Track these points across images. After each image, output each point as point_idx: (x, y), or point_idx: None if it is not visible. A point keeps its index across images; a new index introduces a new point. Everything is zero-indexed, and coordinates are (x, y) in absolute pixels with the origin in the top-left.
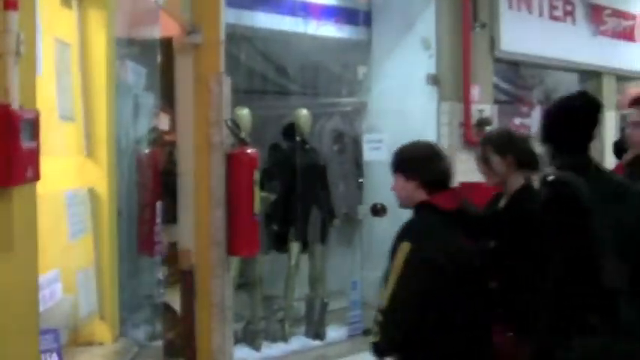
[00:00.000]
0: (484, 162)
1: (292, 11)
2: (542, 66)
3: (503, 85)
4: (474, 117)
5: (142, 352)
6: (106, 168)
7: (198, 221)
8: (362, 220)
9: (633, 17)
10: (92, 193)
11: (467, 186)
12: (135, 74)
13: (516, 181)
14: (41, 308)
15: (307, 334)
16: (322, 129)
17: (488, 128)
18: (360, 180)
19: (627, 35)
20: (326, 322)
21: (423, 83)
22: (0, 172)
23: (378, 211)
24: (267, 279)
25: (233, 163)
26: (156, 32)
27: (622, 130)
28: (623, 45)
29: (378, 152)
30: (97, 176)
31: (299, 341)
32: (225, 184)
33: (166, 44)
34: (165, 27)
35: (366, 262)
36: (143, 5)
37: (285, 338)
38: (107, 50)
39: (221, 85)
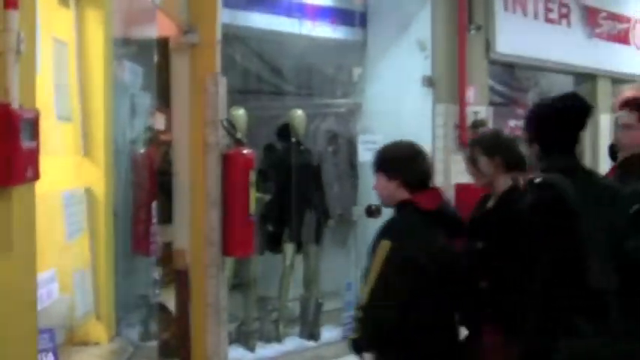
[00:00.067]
0: (472, 163)
1: (287, 12)
2: (538, 68)
3: (499, 87)
4: (469, 119)
5: (137, 352)
6: (103, 168)
7: (194, 221)
8: (356, 221)
9: (628, 20)
10: (89, 193)
11: (461, 187)
12: (132, 74)
13: (504, 182)
14: (38, 308)
15: (302, 335)
16: (317, 130)
17: (483, 130)
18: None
19: (622, 38)
20: (320, 322)
21: (419, 85)
22: (0, 172)
23: (373, 212)
24: (262, 279)
25: (229, 163)
26: (152, 32)
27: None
28: (618, 48)
29: (372, 153)
30: (94, 176)
31: (293, 342)
32: (220, 184)
33: (163, 44)
34: (161, 27)
35: (360, 263)
36: (140, 5)
37: (279, 339)
38: (105, 50)
39: (217, 86)
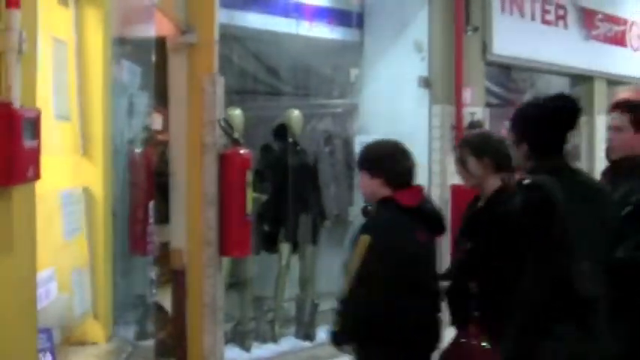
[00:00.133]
0: (461, 164)
1: (285, 12)
2: (534, 70)
3: (495, 89)
4: (466, 120)
5: (134, 352)
6: (102, 168)
7: (190, 221)
8: (353, 222)
9: (624, 22)
10: (87, 193)
11: (458, 188)
12: (130, 73)
13: (493, 183)
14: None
15: (297, 335)
16: (313, 130)
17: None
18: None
19: (618, 40)
20: (316, 323)
21: (415, 86)
22: (2, 171)
23: (369, 212)
24: (258, 279)
25: (226, 163)
26: (151, 31)
27: None
28: (614, 49)
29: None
30: (93, 176)
31: (289, 342)
32: (217, 184)
33: (161, 43)
34: (159, 26)
35: None
36: (138, 4)
37: (275, 339)
38: (104, 49)
39: (214, 85)
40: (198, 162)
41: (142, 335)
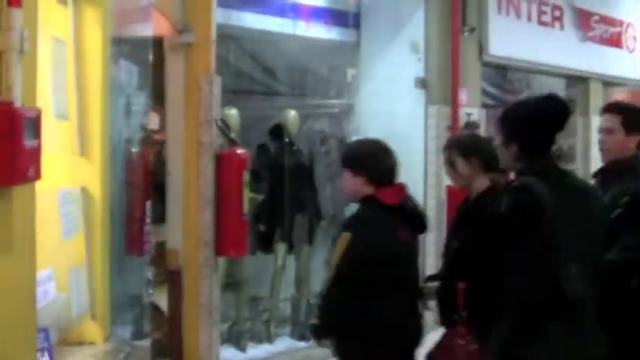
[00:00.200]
0: (450, 165)
1: (281, 12)
2: (530, 70)
3: (491, 90)
4: (462, 120)
5: (132, 352)
6: (100, 167)
7: (187, 221)
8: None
9: (620, 24)
10: (85, 192)
11: (454, 189)
12: (127, 73)
13: (481, 183)
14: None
15: (293, 335)
16: (310, 130)
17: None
18: None
19: (614, 41)
20: None
21: (411, 86)
22: (3, 171)
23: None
24: (253, 280)
25: (222, 163)
26: (148, 31)
27: None
28: (609, 51)
29: None
30: (90, 175)
31: (284, 342)
32: (214, 184)
33: (158, 43)
34: (157, 26)
35: None
36: (135, 4)
37: (270, 339)
38: (102, 48)
39: (211, 85)
40: (195, 162)
41: (138, 335)
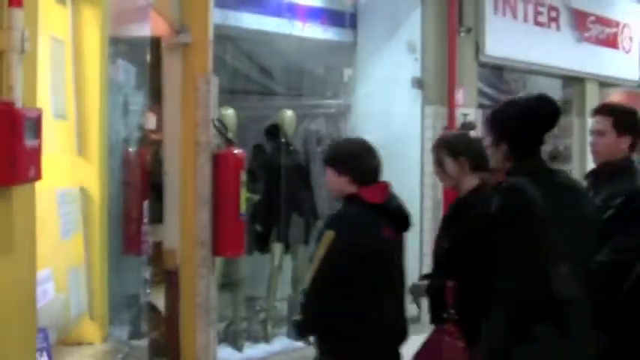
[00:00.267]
0: (438, 165)
1: (278, 12)
2: (527, 71)
3: (487, 90)
4: (458, 121)
5: (130, 352)
6: (98, 167)
7: (184, 221)
8: None
9: (616, 24)
10: (83, 192)
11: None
12: (125, 73)
13: (469, 183)
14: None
15: (289, 335)
16: (306, 130)
17: (472, 132)
18: None
19: (610, 42)
20: None
21: (408, 86)
22: (4, 171)
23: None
24: (250, 279)
25: (220, 163)
26: (145, 31)
27: None
28: (605, 51)
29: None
30: (89, 175)
31: (281, 342)
32: (211, 184)
33: (156, 43)
34: (154, 26)
35: None
36: (133, 4)
37: (267, 339)
38: (100, 48)
39: (209, 85)
40: (192, 162)
41: (135, 335)
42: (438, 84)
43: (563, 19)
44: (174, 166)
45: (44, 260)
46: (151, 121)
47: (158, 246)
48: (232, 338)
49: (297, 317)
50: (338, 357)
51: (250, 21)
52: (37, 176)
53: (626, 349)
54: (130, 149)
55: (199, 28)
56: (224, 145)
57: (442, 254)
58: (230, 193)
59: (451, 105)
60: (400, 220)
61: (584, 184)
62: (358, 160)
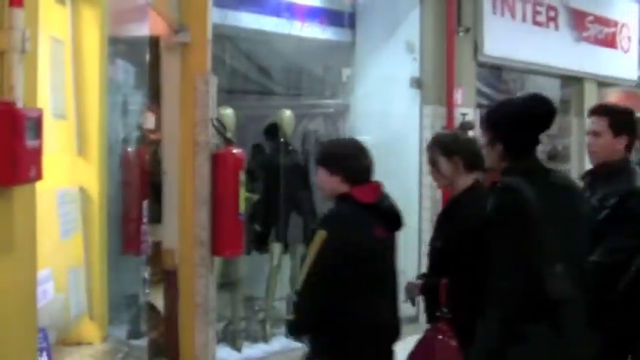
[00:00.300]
0: (432, 164)
1: (276, 12)
2: (525, 71)
3: (485, 90)
4: (457, 121)
5: (130, 352)
6: (97, 167)
7: (183, 221)
8: None
9: (615, 24)
10: (83, 192)
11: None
12: (124, 72)
13: (463, 182)
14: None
15: (288, 335)
16: (305, 130)
17: (470, 132)
18: None
19: (609, 42)
20: None
21: (407, 86)
22: (5, 171)
23: None
24: (249, 279)
25: (218, 163)
26: (144, 31)
27: None
28: (604, 51)
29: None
30: (88, 175)
31: (280, 342)
32: (210, 183)
33: (155, 43)
34: (153, 25)
35: None
36: (132, 3)
37: (266, 339)
38: (100, 48)
39: (207, 85)
40: (191, 161)
41: (133, 335)
42: (436, 84)
43: (562, 18)
44: (173, 165)
45: (44, 260)
46: (149, 121)
47: (157, 246)
48: (231, 338)
49: (290, 317)
50: (331, 356)
51: (249, 20)
52: (38, 176)
53: (621, 349)
54: (129, 149)
55: (198, 27)
56: (223, 144)
57: (436, 254)
58: (229, 193)
59: (450, 105)
60: (392, 219)
61: (581, 184)
62: (350, 160)
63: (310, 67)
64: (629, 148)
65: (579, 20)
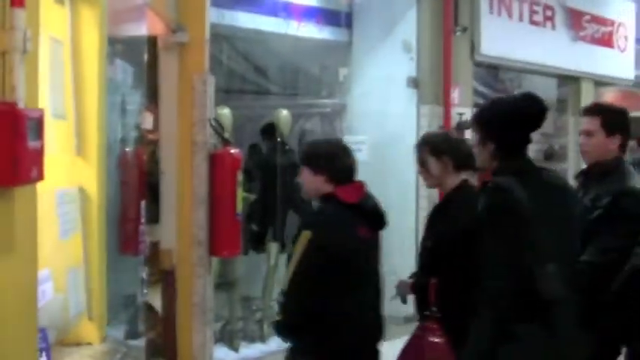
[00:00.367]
0: (421, 164)
1: (273, 12)
2: (522, 70)
3: (482, 89)
4: (454, 120)
5: (128, 352)
6: (96, 167)
7: (181, 221)
8: None
9: (612, 23)
10: (82, 192)
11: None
12: (123, 72)
13: (452, 182)
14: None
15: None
16: (302, 130)
17: (467, 132)
18: None
19: (605, 41)
20: None
21: (404, 86)
22: (6, 172)
23: None
24: (246, 279)
25: (216, 163)
26: (142, 30)
27: None
28: (601, 50)
29: (358, 154)
30: (87, 175)
31: (277, 342)
32: (208, 183)
33: (153, 42)
34: (151, 25)
35: None
36: (130, 3)
37: (263, 339)
38: (99, 48)
39: (205, 85)
40: (189, 161)
41: (131, 335)
42: (433, 83)
43: (559, 18)
44: (170, 165)
45: (43, 261)
46: (147, 121)
47: (155, 246)
48: (228, 338)
49: (277, 319)
50: (315, 356)
51: (246, 20)
52: (39, 177)
53: (613, 349)
54: (127, 149)
55: (196, 27)
56: (220, 144)
57: (427, 254)
58: (226, 193)
59: (447, 104)
60: (376, 219)
61: (575, 183)
62: (334, 160)
63: (307, 67)
64: (622, 147)
65: (576, 20)
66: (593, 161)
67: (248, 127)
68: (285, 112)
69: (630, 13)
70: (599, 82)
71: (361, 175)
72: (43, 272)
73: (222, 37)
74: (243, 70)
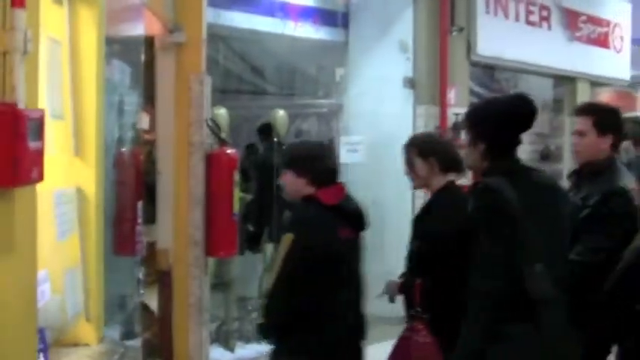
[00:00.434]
0: (408, 165)
1: (270, 12)
2: (518, 70)
3: (478, 89)
4: (450, 120)
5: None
6: (94, 167)
7: (177, 221)
8: None
9: (607, 24)
10: (80, 193)
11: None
12: (120, 72)
13: (438, 183)
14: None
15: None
16: (298, 130)
17: (464, 132)
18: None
19: (601, 41)
20: None
21: (400, 86)
22: (7, 173)
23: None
24: (242, 279)
25: (213, 163)
26: (139, 30)
27: None
28: (597, 51)
29: (355, 155)
30: (85, 175)
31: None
32: (204, 184)
33: (150, 43)
34: (148, 25)
35: None
36: (127, 3)
37: (258, 339)
38: (97, 48)
39: (202, 85)
40: (186, 161)
41: (127, 335)
42: (429, 83)
43: (555, 18)
44: (167, 165)
45: (41, 261)
46: (144, 121)
47: (152, 246)
48: (224, 338)
49: (261, 320)
50: (298, 356)
51: (242, 20)
52: (40, 178)
53: (603, 349)
54: (124, 149)
55: (193, 27)
56: (217, 144)
57: (416, 255)
58: (223, 193)
59: (443, 105)
60: (357, 220)
61: (568, 183)
62: (317, 162)
63: (303, 67)
64: (614, 147)
65: (572, 20)
66: (584, 161)
67: (245, 127)
68: (281, 113)
69: (626, 14)
70: (595, 83)
71: (358, 175)
72: (40, 273)
73: (218, 37)
74: (240, 70)
